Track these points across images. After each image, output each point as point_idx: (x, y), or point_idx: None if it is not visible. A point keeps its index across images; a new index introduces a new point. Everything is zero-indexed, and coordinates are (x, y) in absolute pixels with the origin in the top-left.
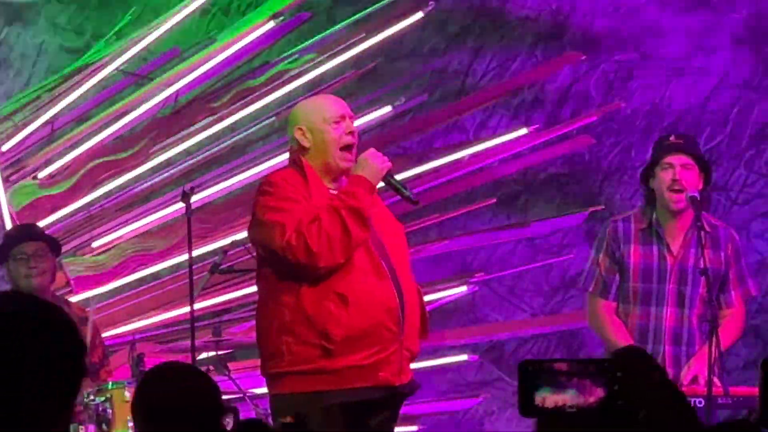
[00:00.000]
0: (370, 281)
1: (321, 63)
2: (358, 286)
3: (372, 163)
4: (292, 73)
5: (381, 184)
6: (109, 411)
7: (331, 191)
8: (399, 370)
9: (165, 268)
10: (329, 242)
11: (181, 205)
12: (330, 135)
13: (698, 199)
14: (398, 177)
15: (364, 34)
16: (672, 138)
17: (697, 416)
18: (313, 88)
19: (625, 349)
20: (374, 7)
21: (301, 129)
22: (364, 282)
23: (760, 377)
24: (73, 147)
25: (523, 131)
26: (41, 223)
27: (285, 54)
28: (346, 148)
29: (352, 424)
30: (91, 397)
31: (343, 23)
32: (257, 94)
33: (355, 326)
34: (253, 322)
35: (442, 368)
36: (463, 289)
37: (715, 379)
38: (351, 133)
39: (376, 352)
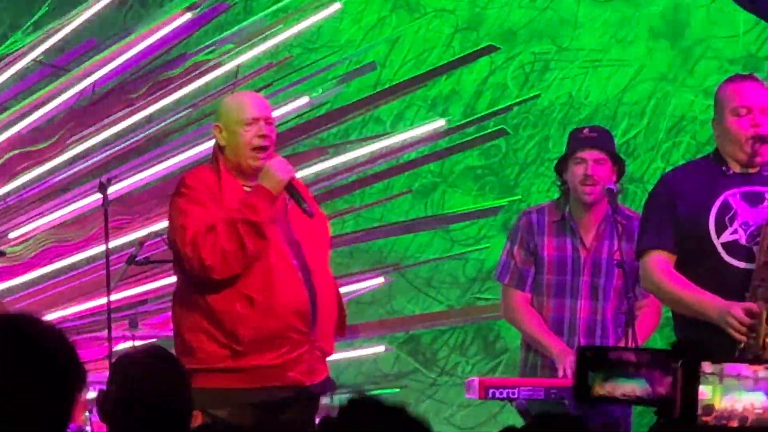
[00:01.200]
0: (279, 283)
1: (238, 54)
2: (266, 288)
3: (274, 173)
4: (210, 64)
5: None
6: None
7: (245, 188)
8: (309, 370)
9: (82, 259)
10: (223, 255)
11: (98, 196)
12: (242, 137)
13: (614, 191)
14: (315, 170)
15: (281, 26)
16: (585, 131)
17: None
18: (231, 80)
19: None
20: None
21: (218, 126)
22: (273, 284)
23: (681, 377)
24: None
25: (440, 123)
26: None
27: (202, 45)
28: (258, 149)
29: (263, 423)
30: None
31: (261, 14)
32: (174, 85)
33: (262, 328)
34: (170, 314)
35: (359, 360)
36: (380, 280)
37: None
38: (262, 136)
39: (285, 353)
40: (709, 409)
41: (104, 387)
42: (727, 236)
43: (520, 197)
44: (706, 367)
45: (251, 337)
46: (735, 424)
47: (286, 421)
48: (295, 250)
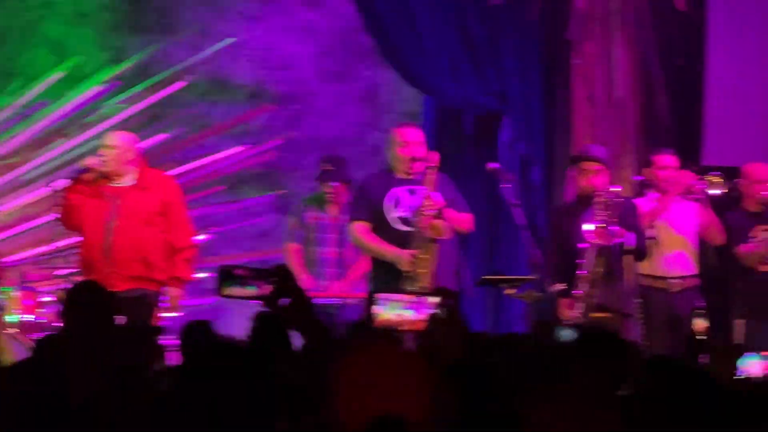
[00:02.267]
0: (92, 234)
1: (127, 109)
2: (86, 237)
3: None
4: (111, 115)
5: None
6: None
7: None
8: (111, 284)
9: (42, 223)
10: (62, 212)
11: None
12: None
13: (347, 188)
14: (174, 172)
15: (152, 93)
16: (326, 166)
17: (306, 298)
18: (123, 124)
19: (279, 266)
20: (159, 77)
21: None
22: (89, 234)
23: (365, 302)
24: None
25: (240, 148)
26: None
27: (107, 103)
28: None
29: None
30: None
31: (140, 86)
32: (92, 127)
33: (86, 258)
34: None
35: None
36: (204, 236)
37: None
38: (99, 155)
39: (96, 273)
40: (380, 319)
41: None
42: (397, 213)
43: (285, 190)
44: (380, 296)
45: (83, 265)
46: (401, 328)
47: (137, 313)
48: (111, 217)
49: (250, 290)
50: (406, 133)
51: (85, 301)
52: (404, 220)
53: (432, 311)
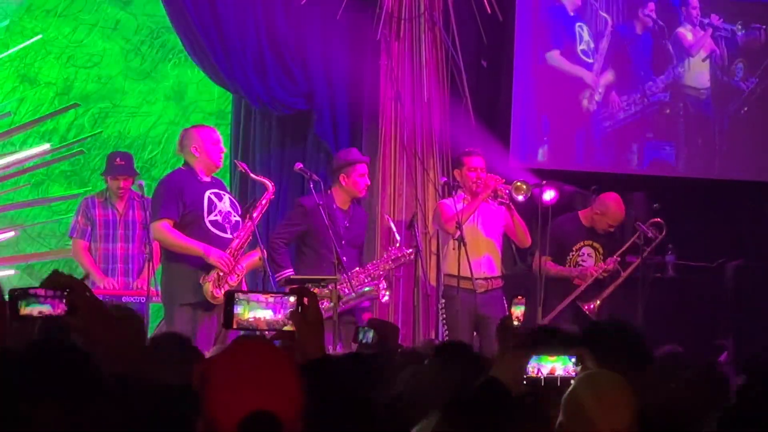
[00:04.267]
0: None
1: None
2: None
3: None
4: None
5: None
6: None
7: None
8: None
9: None
10: None
11: None
12: None
13: (142, 186)
14: None
15: None
16: (117, 160)
17: (102, 308)
18: None
19: (68, 281)
20: None
21: None
22: None
23: (224, 301)
24: None
25: (47, 147)
26: None
27: None
28: None
29: None
30: None
31: None
32: None
33: None
34: None
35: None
36: (11, 233)
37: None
38: None
39: None
40: (237, 318)
41: None
42: (212, 217)
43: (90, 188)
44: (239, 294)
45: None
46: (259, 328)
47: None
48: None
49: (46, 308)
50: (212, 134)
51: None
52: (218, 225)
53: (290, 310)
